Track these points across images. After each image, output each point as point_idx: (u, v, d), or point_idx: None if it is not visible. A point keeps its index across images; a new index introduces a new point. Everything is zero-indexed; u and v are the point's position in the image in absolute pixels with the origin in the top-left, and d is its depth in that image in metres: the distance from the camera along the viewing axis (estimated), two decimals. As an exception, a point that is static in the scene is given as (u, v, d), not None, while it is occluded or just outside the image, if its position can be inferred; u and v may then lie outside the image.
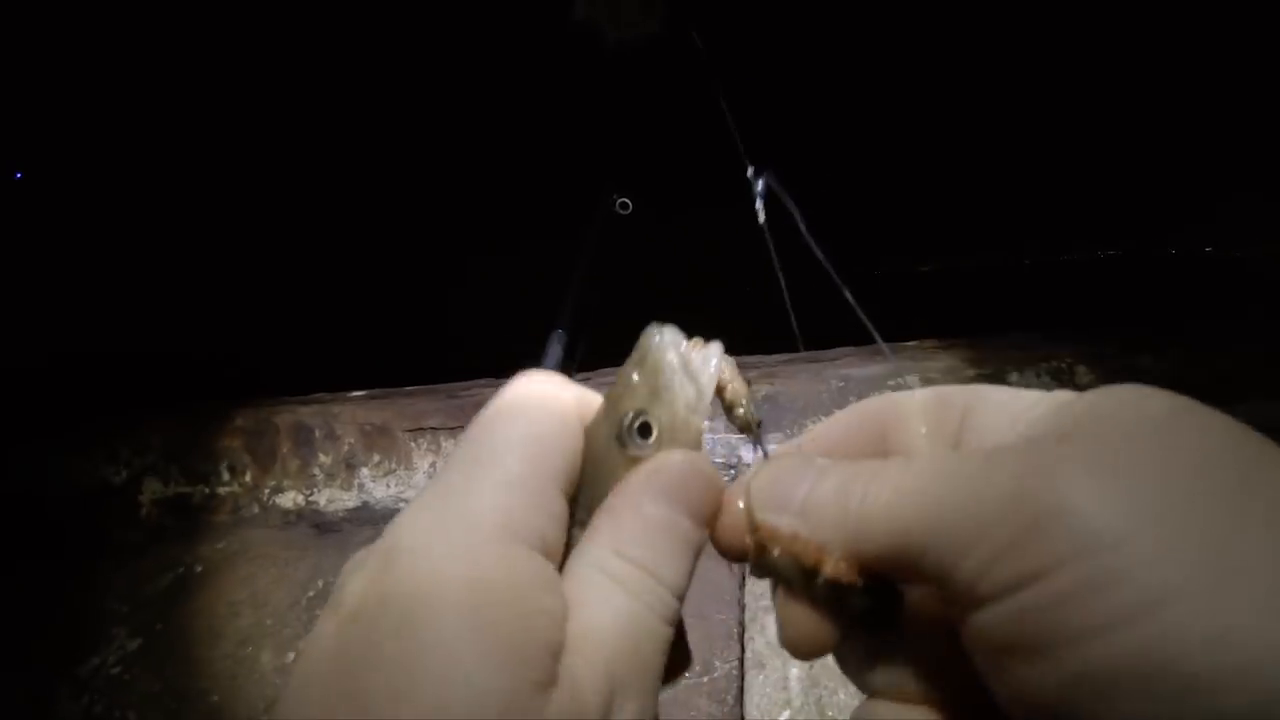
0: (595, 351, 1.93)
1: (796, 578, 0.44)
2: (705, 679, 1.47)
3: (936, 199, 2.38)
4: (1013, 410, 0.44)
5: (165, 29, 2.38)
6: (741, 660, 1.47)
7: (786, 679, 1.43)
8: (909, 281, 2.40)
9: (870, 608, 0.43)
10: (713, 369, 0.49)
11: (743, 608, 1.54)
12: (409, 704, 0.37)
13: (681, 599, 0.45)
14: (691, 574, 0.45)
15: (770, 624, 1.50)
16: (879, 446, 0.48)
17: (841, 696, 1.39)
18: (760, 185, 0.57)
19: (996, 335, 1.85)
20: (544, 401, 0.49)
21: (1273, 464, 0.36)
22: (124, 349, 2.38)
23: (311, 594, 1.77)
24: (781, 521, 0.44)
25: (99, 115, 2.43)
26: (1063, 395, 0.43)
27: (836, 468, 0.44)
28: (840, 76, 2.43)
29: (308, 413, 2.02)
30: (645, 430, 0.48)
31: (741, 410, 0.51)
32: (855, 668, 0.47)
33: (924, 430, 0.47)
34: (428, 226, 2.39)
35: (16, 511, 2.16)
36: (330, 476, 1.96)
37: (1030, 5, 2.31)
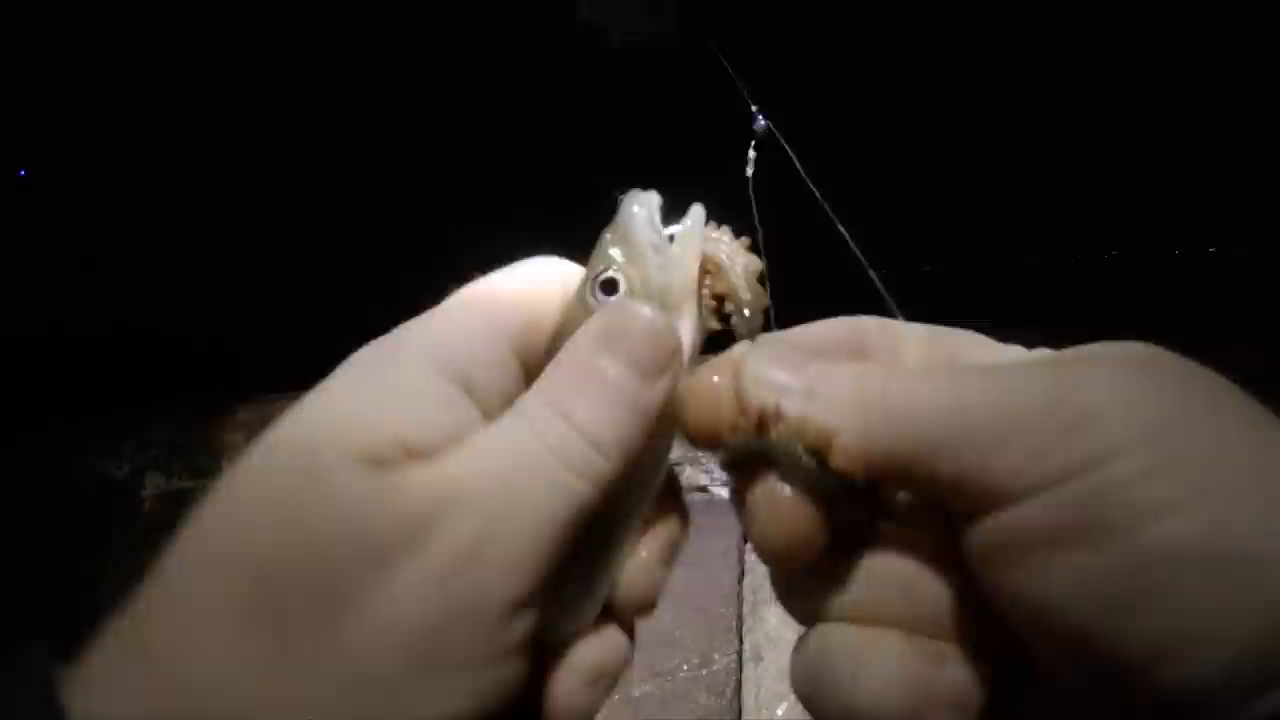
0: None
1: (795, 467, 0.40)
2: (704, 671, 1.47)
3: (938, 201, 2.38)
4: (1003, 358, 0.44)
5: (168, 28, 2.39)
6: (740, 653, 1.47)
7: (785, 671, 1.42)
8: (909, 281, 2.40)
9: (866, 514, 0.42)
10: (693, 230, 0.47)
11: (741, 601, 1.54)
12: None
13: (615, 461, 0.42)
14: (634, 438, 0.42)
15: (770, 616, 1.50)
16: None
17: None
18: (760, 123, 0.57)
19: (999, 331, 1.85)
20: (525, 270, 0.48)
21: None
22: (126, 344, 2.39)
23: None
24: (787, 402, 0.40)
25: (96, 110, 2.44)
26: (1050, 351, 0.43)
27: (847, 360, 0.42)
28: (845, 81, 2.43)
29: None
30: (609, 287, 0.46)
31: (735, 307, 0.48)
32: (808, 587, 0.44)
33: (914, 358, 0.45)
34: (427, 224, 2.39)
35: (18, 505, 2.16)
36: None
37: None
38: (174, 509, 2.08)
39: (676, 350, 0.44)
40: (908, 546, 0.43)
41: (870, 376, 0.41)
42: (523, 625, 0.40)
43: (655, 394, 0.43)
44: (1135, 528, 0.34)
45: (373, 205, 2.43)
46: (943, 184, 2.36)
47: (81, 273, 2.43)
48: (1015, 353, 0.45)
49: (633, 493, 0.45)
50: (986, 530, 0.38)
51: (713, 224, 0.48)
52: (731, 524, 1.67)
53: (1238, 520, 0.34)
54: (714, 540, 1.63)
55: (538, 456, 0.41)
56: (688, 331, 0.46)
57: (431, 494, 0.39)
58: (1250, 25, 2.19)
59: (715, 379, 0.43)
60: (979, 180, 2.35)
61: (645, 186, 0.49)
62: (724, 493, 1.75)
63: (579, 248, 0.49)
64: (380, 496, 0.38)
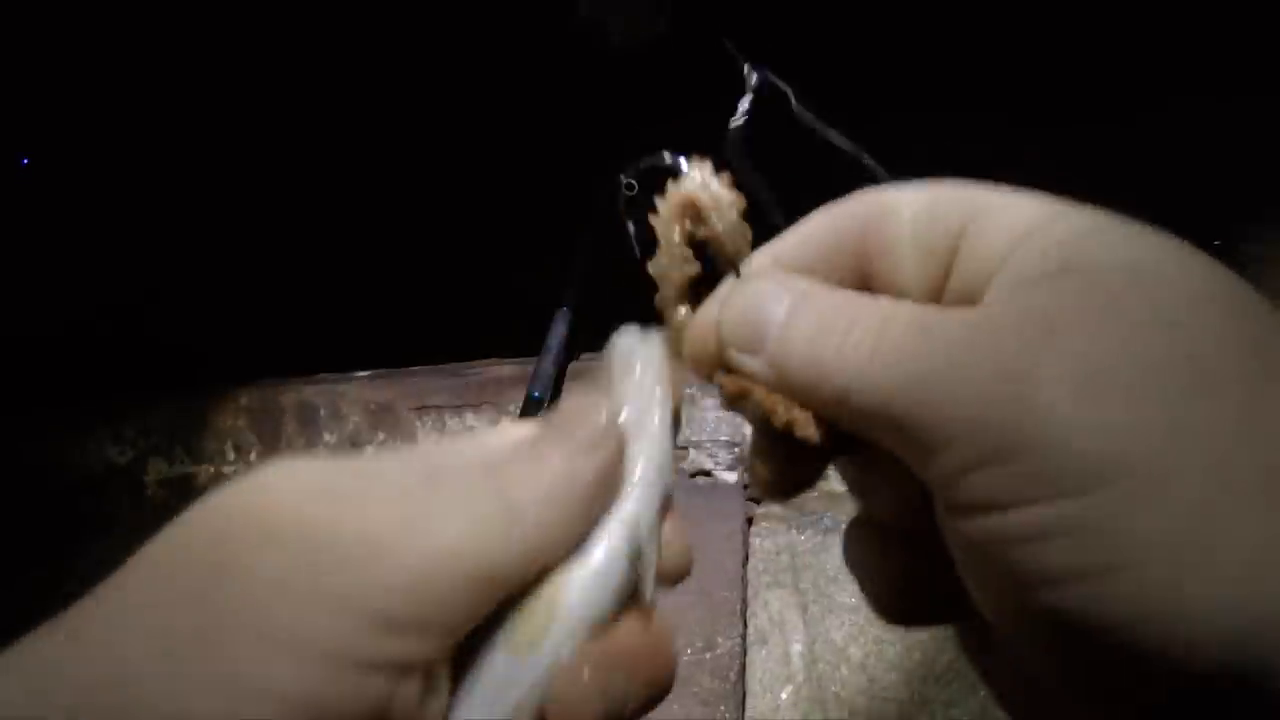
0: (599, 331, 1.93)
1: (770, 432, 0.41)
2: (708, 655, 1.47)
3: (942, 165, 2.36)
4: (1011, 233, 0.38)
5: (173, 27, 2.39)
6: (744, 636, 1.47)
7: (789, 655, 1.42)
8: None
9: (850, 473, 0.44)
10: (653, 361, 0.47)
11: (745, 584, 1.53)
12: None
13: (553, 539, 0.40)
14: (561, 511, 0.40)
15: (774, 600, 1.50)
16: (861, 263, 0.43)
17: (844, 671, 1.38)
18: (755, 80, 0.57)
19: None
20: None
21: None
22: (128, 329, 2.38)
23: (314, 572, 1.76)
24: (754, 367, 0.41)
25: (102, 100, 2.43)
26: (1056, 216, 0.38)
27: (816, 298, 0.41)
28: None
29: (313, 392, 2.01)
30: None
31: (718, 250, 0.47)
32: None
33: (909, 267, 0.42)
34: (428, 206, 2.38)
35: (19, 490, 2.17)
36: (335, 455, 1.96)
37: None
38: (176, 494, 2.08)
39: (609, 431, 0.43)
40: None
41: (832, 326, 0.39)
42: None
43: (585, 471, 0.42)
44: (1034, 588, 0.33)
45: (377, 195, 2.42)
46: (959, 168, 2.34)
47: (83, 258, 2.42)
48: (1027, 218, 0.38)
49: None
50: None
51: (696, 160, 0.48)
52: (735, 508, 1.67)
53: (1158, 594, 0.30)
54: (717, 525, 1.63)
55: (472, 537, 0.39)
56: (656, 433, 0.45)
57: None
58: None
59: (709, 338, 0.44)
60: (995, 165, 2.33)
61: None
62: (728, 477, 1.75)
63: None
64: None
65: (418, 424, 1.92)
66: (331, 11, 2.38)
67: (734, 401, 0.43)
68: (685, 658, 1.45)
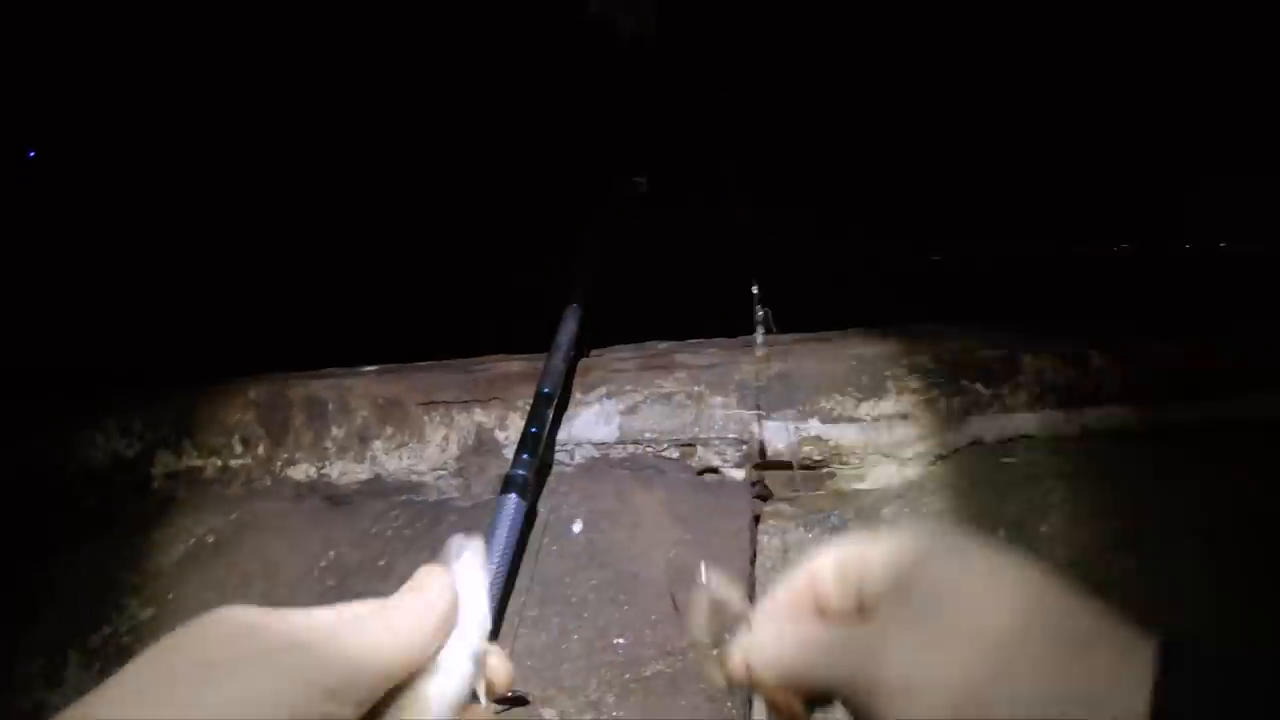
0: (608, 327, 1.93)
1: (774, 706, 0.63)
2: (715, 652, 1.46)
3: (959, 191, 2.36)
4: (885, 567, 0.58)
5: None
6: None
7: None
8: (924, 269, 2.40)
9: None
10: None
11: (754, 582, 1.53)
12: None
13: None
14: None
15: (781, 597, 1.50)
16: (816, 600, 0.64)
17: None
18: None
19: (1010, 319, 1.85)
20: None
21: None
22: (135, 322, 2.39)
23: (323, 564, 1.76)
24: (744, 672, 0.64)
25: (111, 96, 2.44)
26: (903, 549, 0.58)
27: (781, 631, 0.63)
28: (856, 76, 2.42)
29: (321, 386, 2.01)
30: None
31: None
32: None
33: (833, 599, 0.62)
34: (437, 203, 2.39)
35: (27, 483, 2.17)
36: (343, 449, 1.96)
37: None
38: (184, 487, 2.09)
39: None
40: None
41: (778, 642, 0.62)
42: None
43: None
44: None
45: (383, 192, 2.42)
46: (964, 176, 2.35)
47: (92, 251, 2.42)
48: (891, 553, 0.59)
49: None
50: None
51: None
52: (742, 505, 1.67)
53: None
54: (724, 522, 1.63)
55: None
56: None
57: None
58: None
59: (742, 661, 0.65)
60: (1000, 172, 2.34)
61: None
62: (736, 474, 1.75)
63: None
64: None
65: (425, 419, 1.92)
66: (337, 12, 2.39)
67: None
68: (692, 653, 1.45)
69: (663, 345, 1.93)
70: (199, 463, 2.08)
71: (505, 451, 1.83)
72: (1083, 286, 2.19)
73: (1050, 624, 0.51)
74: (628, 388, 1.81)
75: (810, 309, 1.90)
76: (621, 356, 1.89)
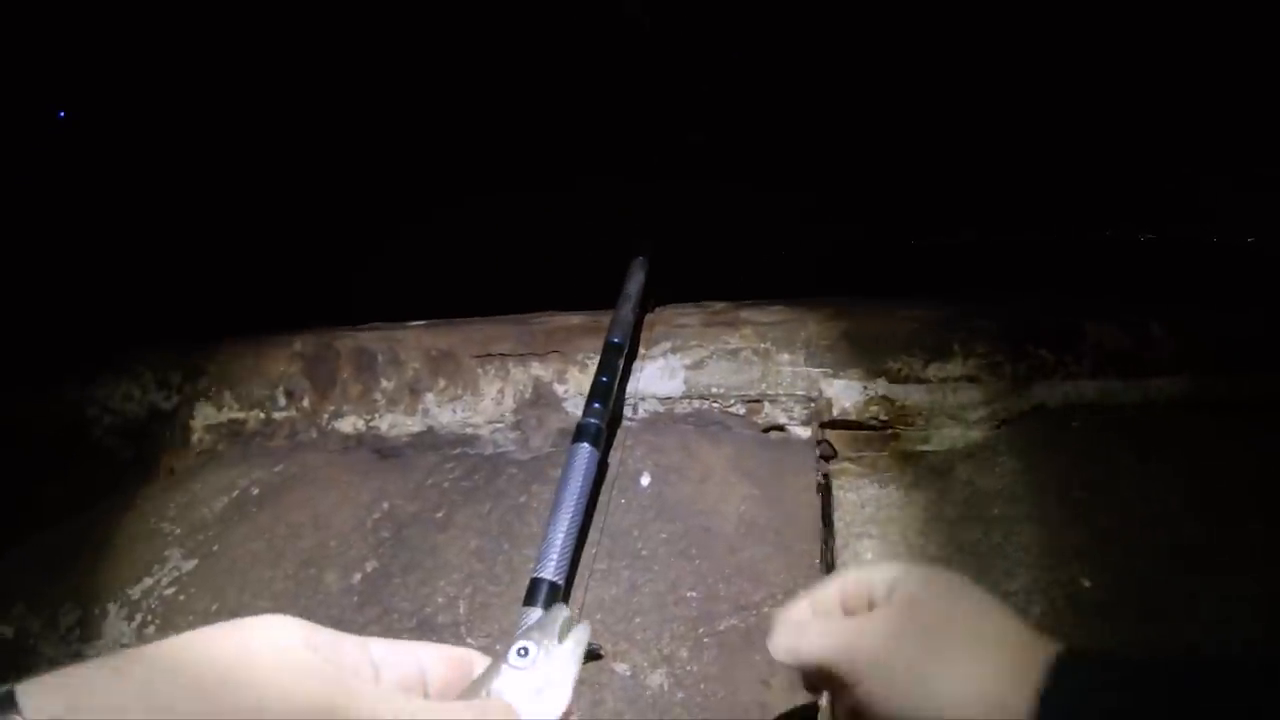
0: (671, 281, 1.92)
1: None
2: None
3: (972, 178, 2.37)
4: (884, 582, 0.83)
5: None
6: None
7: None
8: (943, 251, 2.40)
9: None
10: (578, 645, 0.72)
11: (828, 535, 1.52)
12: None
13: None
14: None
15: (863, 549, 1.49)
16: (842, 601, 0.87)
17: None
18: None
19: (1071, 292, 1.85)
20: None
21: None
22: (173, 280, 2.35)
23: (376, 515, 1.73)
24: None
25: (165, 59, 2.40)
26: (895, 572, 0.83)
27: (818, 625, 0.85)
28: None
29: (370, 338, 1.98)
30: (523, 652, 0.68)
31: None
32: None
33: (850, 600, 0.87)
34: (488, 164, 2.36)
35: (60, 433, 2.13)
36: (393, 402, 1.93)
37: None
38: (225, 440, 2.05)
39: None
40: None
41: (810, 632, 0.84)
42: None
43: None
44: None
45: (432, 149, 2.40)
46: (976, 165, 2.36)
47: (143, 202, 2.38)
48: (894, 575, 0.83)
49: None
50: None
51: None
52: (808, 463, 1.66)
53: None
54: (793, 479, 1.61)
55: None
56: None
57: None
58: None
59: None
60: (1015, 158, 2.35)
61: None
62: (801, 432, 1.73)
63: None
64: None
65: (479, 371, 1.90)
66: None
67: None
68: (765, 608, 1.44)
69: (723, 304, 1.92)
70: (241, 415, 2.05)
71: (565, 405, 1.81)
72: (1141, 269, 2.20)
73: (969, 625, 0.75)
74: (693, 343, 1.79)
75: (871, 278, 1.90)
76: (685, 312, 1.87)
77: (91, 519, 1.97)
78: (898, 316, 1.79)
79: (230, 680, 0.57)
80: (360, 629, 1.56)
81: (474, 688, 0.65)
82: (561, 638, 0.68)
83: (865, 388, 1.71)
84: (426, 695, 0.67)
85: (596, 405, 1.59)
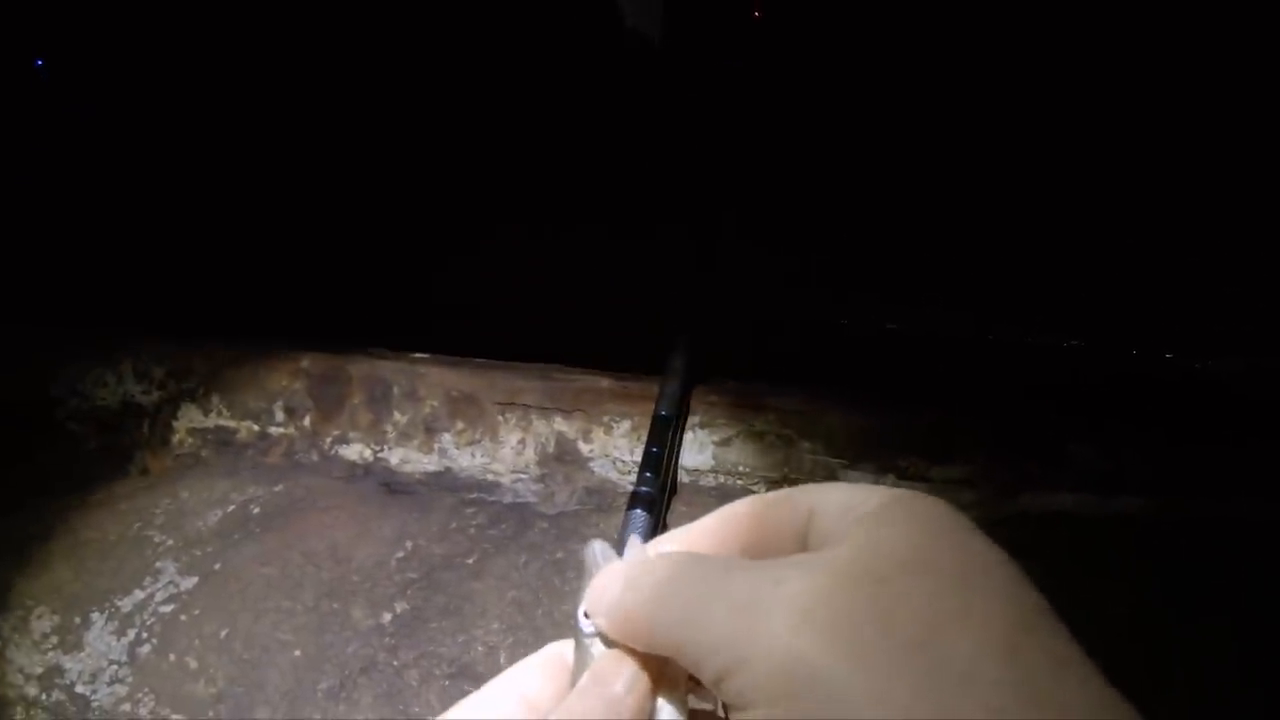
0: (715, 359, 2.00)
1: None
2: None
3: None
4: (843, 510, 0.48)
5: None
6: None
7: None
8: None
9: None
10: None
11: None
12: None
13: None
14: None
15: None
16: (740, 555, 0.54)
17: None
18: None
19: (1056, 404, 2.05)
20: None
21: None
22: (171, 274, 2.26)
23: (400, 554, 1.74)
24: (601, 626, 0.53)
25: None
26: (879, 500, 0.48)
27: (640, 568, 0.52)
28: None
29: (388, 368, 1.98)
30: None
31: None
32: None
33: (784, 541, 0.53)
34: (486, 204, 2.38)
35: (26, 408, 2.03)
36: (405, 436, 1.94)
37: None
38: (210, 447, 2.00)
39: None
40: None
41: (628, 579, 0.51)
42: None
43: None
44: None
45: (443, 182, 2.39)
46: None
47: (136, 192, 2.27)
48: (861, 498, 0.49)
49: None
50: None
51: None
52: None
53: None
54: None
55: None
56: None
57: None
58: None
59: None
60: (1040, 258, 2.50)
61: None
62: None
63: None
64: None
65: (500, 419, 1.93)
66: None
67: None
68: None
69: (744, 384, 2.02)
70: (231, 424, 2.00)
71: (592, 465, 1.87)
72: (1118, 390, 2.41)
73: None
74: (720, 421, 1.89)
75: (882, 369, 2.04)
76: (710, 391, 1.96)
77: (62, 509, 1.88)
78: (909, 417, 1.93)
79: None
80: (396, 672, 1.58)
81: (577, 673, 0.53)
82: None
83: (877, 480, 1.85)
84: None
85: (649, 474, 1.66)
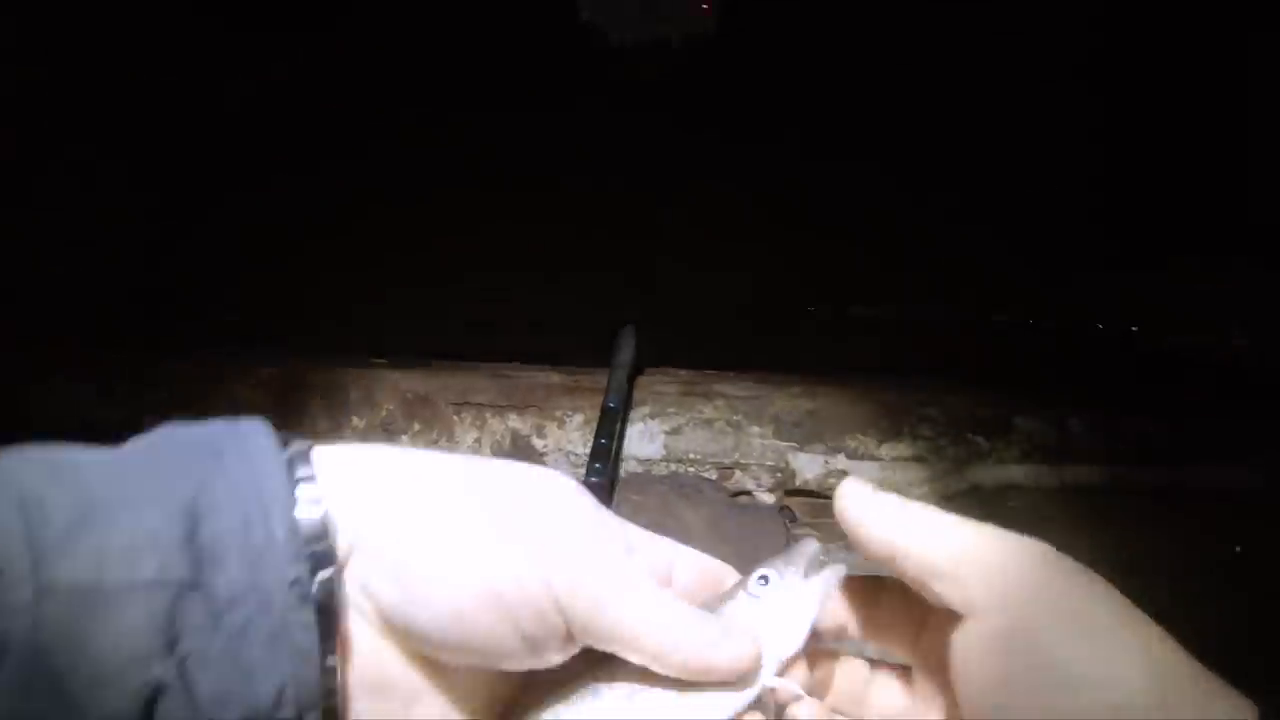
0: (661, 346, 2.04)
1: None
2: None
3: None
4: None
5: None
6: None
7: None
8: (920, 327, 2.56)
9: None
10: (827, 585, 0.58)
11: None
12: None
13: None
14: None
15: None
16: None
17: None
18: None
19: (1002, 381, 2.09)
20: None
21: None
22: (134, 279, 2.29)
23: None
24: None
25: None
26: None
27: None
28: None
29: (344, 374, 2.01)
30: (764, 580, 0.56)
31: None
32: None
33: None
34: (448, 207, 2.42)
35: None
36: (364, 440, 1.97)
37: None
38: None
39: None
40: None
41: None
42: None
43: None
44: None
45: (407, 186, 2.43)
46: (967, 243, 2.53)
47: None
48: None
49: None
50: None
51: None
52: (777, 526, 1.82)
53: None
54: (764, 540, 1.76)
55: None
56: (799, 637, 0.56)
57: None
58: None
59: None
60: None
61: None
62: (766, 498, 1.89)
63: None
64: None
65: (455, 419, 1.96)
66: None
67: None
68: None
69: (696, 373, 2.05)
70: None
71: (546, 460, 1.90)
72: (1063, 358, 2.44)
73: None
74: (670, 410, 1.92)
75: (834, 353, 2.08)
76: (661, 379, 1.99)
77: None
78: (856, 399, 1.97)
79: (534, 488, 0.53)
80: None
81: (711, 603, 0.55)
82: (808, 573, 0.57)
83: (826, 462, 1.89)
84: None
85: (598, 466, 1.69)
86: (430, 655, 0.49)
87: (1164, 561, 1.76)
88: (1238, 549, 1.80)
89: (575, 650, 0.50)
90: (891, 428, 1.94)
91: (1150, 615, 0.54)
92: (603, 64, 2.52)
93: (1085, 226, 2.50)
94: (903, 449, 1.92)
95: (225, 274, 2.33)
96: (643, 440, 1.90)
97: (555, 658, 0.50)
